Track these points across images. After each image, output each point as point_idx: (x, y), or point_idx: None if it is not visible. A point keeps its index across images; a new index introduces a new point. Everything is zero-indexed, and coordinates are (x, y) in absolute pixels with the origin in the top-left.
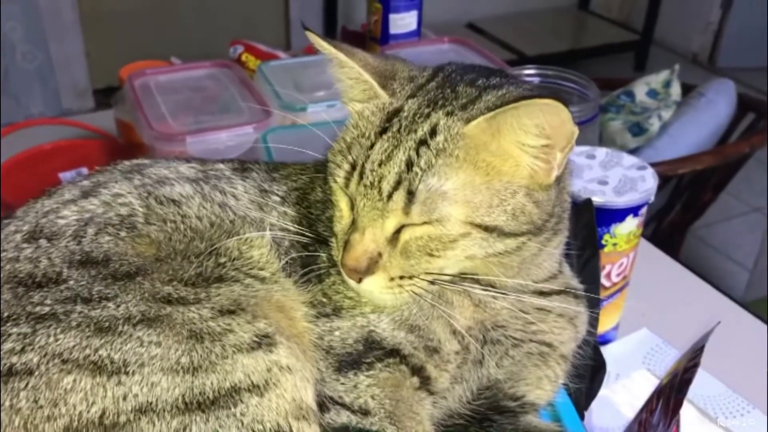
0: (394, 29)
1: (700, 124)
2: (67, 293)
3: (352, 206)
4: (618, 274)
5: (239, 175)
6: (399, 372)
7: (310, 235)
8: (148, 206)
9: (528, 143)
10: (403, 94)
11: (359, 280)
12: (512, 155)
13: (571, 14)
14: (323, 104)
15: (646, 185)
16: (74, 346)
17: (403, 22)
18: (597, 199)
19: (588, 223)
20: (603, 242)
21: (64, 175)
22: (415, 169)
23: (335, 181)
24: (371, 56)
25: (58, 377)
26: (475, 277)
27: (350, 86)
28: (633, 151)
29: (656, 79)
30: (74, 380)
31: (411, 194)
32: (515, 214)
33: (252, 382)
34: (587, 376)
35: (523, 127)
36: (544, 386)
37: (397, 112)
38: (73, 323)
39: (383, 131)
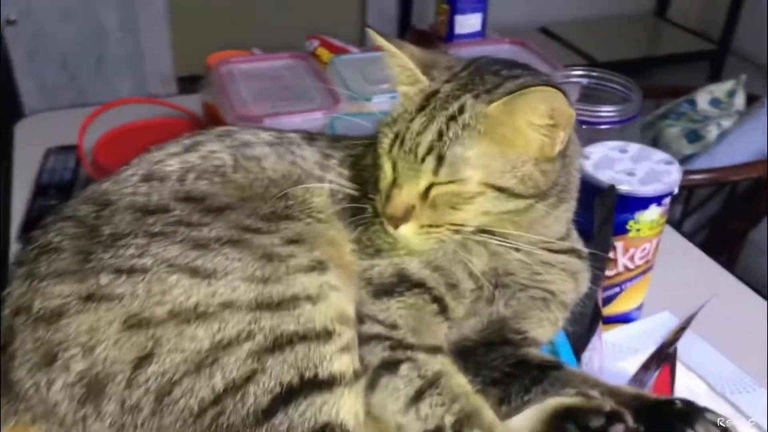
0: (459, 29)
1: (758, 133)
2: (173, 219)
3: (394, 168)
4: (641, 258)
5: (307, 142)
6: (422, 300)
7: (359, 191)
8: (236, 160)
9: (536, 122)
10: (440, 79)
11: (396, 227)
12: (523, 132)
13: (647, 21)
14: (386, 96)
15: (670, 178)
16: (178, 255)
17: (468, 22)
18: (624, 188)
19: (608, 205)
20: (627, 227)
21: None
22: (445, 138)
23: (382, 148)
24: (417, 49)
25: (166, 276)
26: (492, 230)
27: (398, 72)
28: (688, 158)
29: (721, 89)
30: (177, 279)
31: (440, 158)
32: (523, 179)
33: (307, 294)
34: (586, 324)
35: (531, 109)
36: (544, 326)
37: (434, 93)
38: (177, 239)
39: (422, 108)
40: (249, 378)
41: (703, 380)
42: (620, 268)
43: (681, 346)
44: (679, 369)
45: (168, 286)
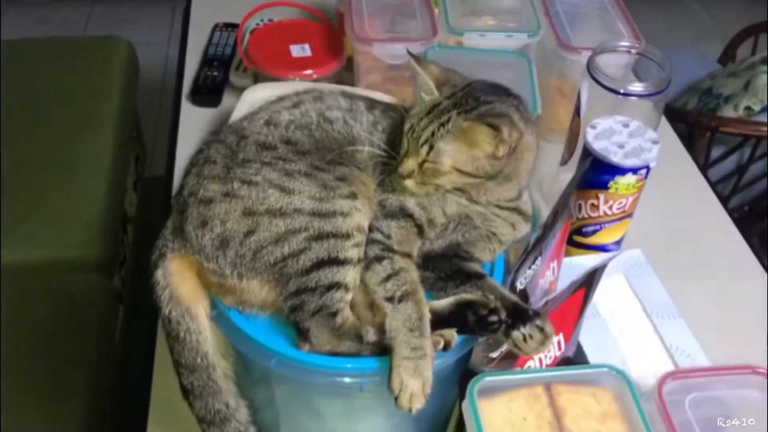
0: None
1: None
2: (276, 155)
3: (407, 144)
4: (618, 208)
5: (367, 110)
6: (409, 224)
7: (390, 152)
8: (318, 121)
9: (485, 139)
10: (444, 95)
11: (404, 180)
12: (479, 142)
13: None
14: (477, 33)
15: (649, 155)
16: (275, 178)
17: None
18: (611, 157)
19: (581, 173)
20: (608, 186)
21: (293, 47)
22: (436, 136)
23: (404, 130)
24: (438, 69)
25: (267, 189)
26: (463, 190)
27: (422, 84)
28: None
29: None
30: (272, 192)
31: (431, 147)
32: (477, 168)
33: (342, 211)
34: (523, 256)
35: (484, 133)
36: (485, 252)
37: (438, 104)
38: (277, 168)
39: (429, 113)
40: (302, 251)
41: (640, 302)
42: (601, 213)
43: (634, 273)
44: (626, 290)
45: (267, 195)
